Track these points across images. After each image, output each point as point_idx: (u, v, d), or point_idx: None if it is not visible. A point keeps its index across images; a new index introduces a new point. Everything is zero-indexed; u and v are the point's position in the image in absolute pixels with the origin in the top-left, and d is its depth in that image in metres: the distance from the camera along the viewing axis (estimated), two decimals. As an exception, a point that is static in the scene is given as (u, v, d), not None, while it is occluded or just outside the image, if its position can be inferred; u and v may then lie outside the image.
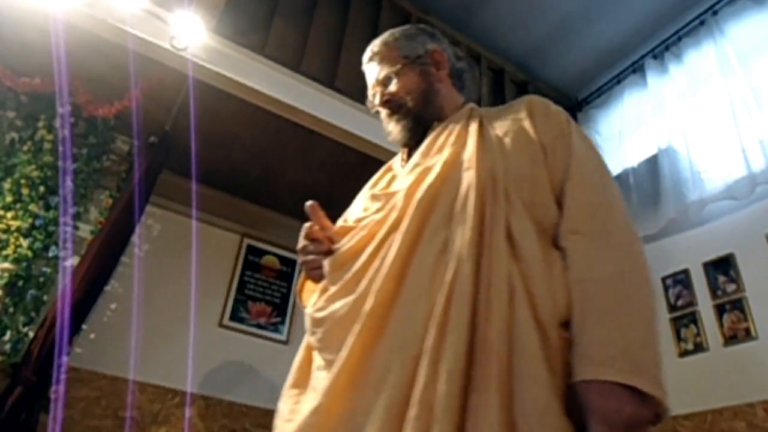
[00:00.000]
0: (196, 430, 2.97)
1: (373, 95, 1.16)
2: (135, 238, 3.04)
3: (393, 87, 1.12)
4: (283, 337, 3.48)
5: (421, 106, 1.10)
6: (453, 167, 0.92)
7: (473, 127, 0.99)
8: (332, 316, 0.85)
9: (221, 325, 3.34)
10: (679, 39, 3.45)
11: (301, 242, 1.02)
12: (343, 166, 3.13)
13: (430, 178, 0.91)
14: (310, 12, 3.16)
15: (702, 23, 3.32)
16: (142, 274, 3.07)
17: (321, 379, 0.84)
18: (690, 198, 2.96)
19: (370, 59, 1.18)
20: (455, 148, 0.96)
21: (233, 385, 3.20)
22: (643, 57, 3.63)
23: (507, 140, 0.94)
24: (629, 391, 0.70)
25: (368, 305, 0.79)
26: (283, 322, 3.53)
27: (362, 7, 3.38)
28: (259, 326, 3.44)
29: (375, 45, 1.19)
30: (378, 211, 0.95)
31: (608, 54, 3.82)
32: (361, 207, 1.06)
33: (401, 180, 1.00)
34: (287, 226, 3.70)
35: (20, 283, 2.51)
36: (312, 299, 0.95)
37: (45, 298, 2.57)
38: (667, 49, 3.51)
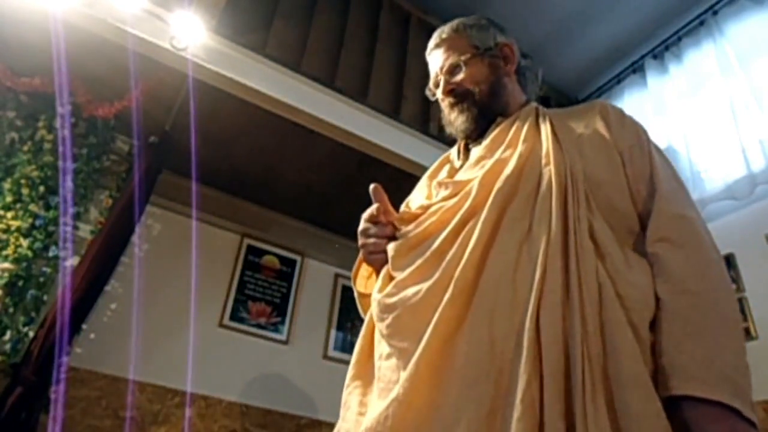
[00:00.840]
0: (196, 430, 2.97)
1: (436, 83, 1.14)
2: (135, 238, 3.04)
3: (460, 76, 1.10)
4: (283, 337, 3.48)
5: (488, 98, 1.08)
6: (529, 161, 0.90)
7: (545, 126, 0.97)
8: (404, 302, 0.82)
9: (221, 325, 3.34)
10: (679, 39, 3.45)
11: (363, 224, 0.99)
12: (343, 166, 3.13)
13: (508, 170, 0.89)
14: (310, 12, 3.16)
15: (702, 23, 3.32)
16: (142, 274, 3.07)
17: (389, 369, 0.82)
18: (690, 198, 2.96)
19: (437, 45, 1.16)
20: (529, 144, 0.94)
21: (233, 385, 3.20)
22: (643, 57, 3.63)
23: (584, 142, 0.93)
24: (737, 414, 0.68)
25: (448, 293, 0.77)
26: (283, 322, 3.53)
27: (362, 7, 3.38)
28: (259, 326, 3.44)
29: (444, 32, 1.16)
30: (447, 198, 0.93)
31: (608, 54, 3.82)
32: (424, 195, 1.04)
33: (467, 172, 0.98)
34: (287, 226, 3.70)
35: (20, 283, 2.51)
36: (377, 285, 0.92)
37: (45, 298, 2.58)
38: (667, 49, 3.51)
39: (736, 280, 2.72)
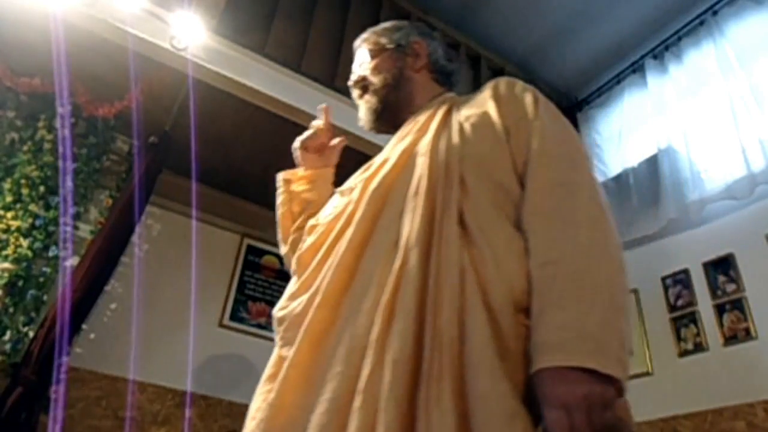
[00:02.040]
0: (196, 430, 2.97)
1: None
2: (135, 238, 3.04)
3: (365, 68, 1.16)
4: (283, 337, 3.48)
5: (388, 90, 1.11)
6: (409, 157, 0.92)
7: (439, 114, 0.99)
8: (290, 314, 0.87)
9: (221, 325, 3.34)
10: (679, 39, 3.45)
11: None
12: (342, 165, 3.13)
13: (385, 169, 0.91)
14: (310, 12, 3.16)
15: (702, 23, 3.32)
16: (142, 274, 3.07)
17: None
18: (690, 198, 2.96)
19: (358, 46, 1.22)
20: (415, 137, 0.95)
21: (233, 385, 3.20)
22: (643, 57, 3.63)
23: (467, 125, 0.92)
24: (583, 372, 0.65)
25: (317, 299, 0.80)
26: (283, 322, 3.53)
27: (362, 7, 3.39)
28: (259, 326, 3.44)
29: (365, 33, 1.23)
30: (339, 206, 0.96)
31: (608, 54, 3.82)
32: (332, 205, 1.07)
33: (367, 173, 0.99)
34: (287, 226, 3.70)
35: (20, 283, 2.51)
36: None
37: (45, 298, 2.58)
38: (667, 49, 3.51)
39: (736, 280, 2.72)
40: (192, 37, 2.53)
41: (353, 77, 1.18)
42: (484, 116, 0.93)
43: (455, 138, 0.90)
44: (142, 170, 2.72)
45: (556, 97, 4.12)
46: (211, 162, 3.24)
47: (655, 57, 3.57)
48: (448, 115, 0.98)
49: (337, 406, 0.69)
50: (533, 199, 0.82)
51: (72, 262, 2.61)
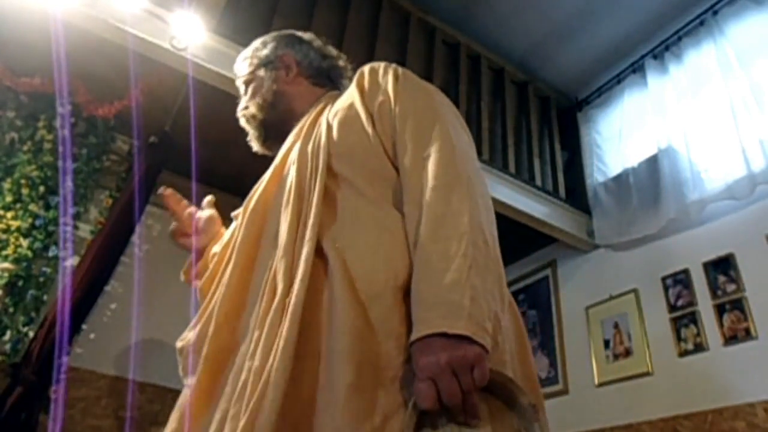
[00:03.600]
0: (196, 430, 2.97)
1: None
2: (135, 238, 3.04)
3: (245, 98, 1.20)
4: (283, 337, 3.48)
5: (267, 110, 1.13)
6: (284, 167, 0.93)
7: (311, 118, 1.00)
8: (187, 344, 0.88)
9: (221, 325, 3.34)
10: (679, 39, 3.44)
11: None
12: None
13: (261, 186, 0.93)
14: (310, 12, 3.16)
15: (702, 23, 3.32)
16: (142, 274, 3.07)
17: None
18: (690, 198, 2.96)
19: (237, 79, 1.26)
20: (289, 147, 0.97)
21: (233, 385, 3.20)
22: (643, 57, 3.63)
23: (335, 122, 0.93)
24: (444, 338, 0.66)
25: (211, 327, 0.80)
26: (283, 322, 3.52)
27: (362, 7, 3.38)
28: (259, 326, 3.44)
29: (238, 60, 1.27)
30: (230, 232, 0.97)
31: (608, 54, 3.82)
32: (229, 231, 1.09)
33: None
34: (287, 226, 3.70)
35: (20, 283, 2.51)
36: None
37: (45, 298, 2.58)
38: (667, 49, 3.51)
39: (736, 280, 2.72)
40: (192, 37, 2.53)
41: (239, 107, 1.22)
42: (350, 109, 0.94)
43: (322, 138, 0.90)
44: (142, 170, 2.72)
45: (556, 97, 4.12)
46: (211, 162, 3.24)
47: (655, 57, 3.57)
48: (319, 116, 0.99)
49: (221, 426, 0.70)
50: (403, 181, 0.83)
51: (72, 262, 2.61)
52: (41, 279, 2.58)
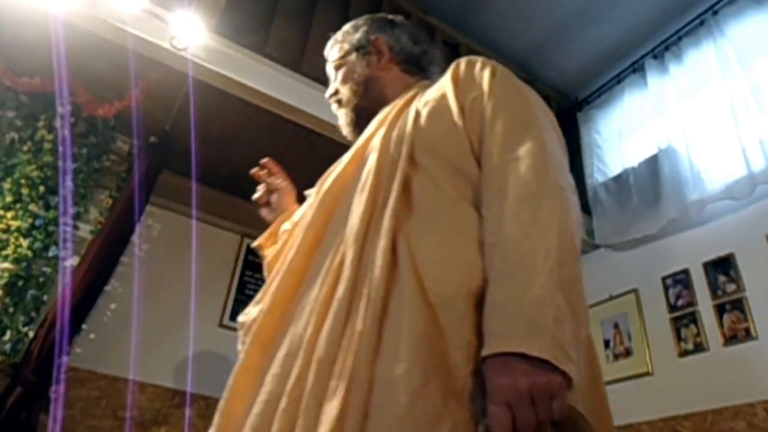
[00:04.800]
0: (196, 430, 2.97)
1: None
2: (135, 238, 3.04)
3: (336, 81, 1.16)
4: (283, 337, 3.48)
5: (359, 97, 1.10)
6: (364, 151, 0.91)
7: (398, 106, 0.97)
8: (249, 319, 0.88)
9: (221, 325, 3.34)
10: (679, 39, 3.44)
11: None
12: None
13: (339, 168, 0.91)
14: (310, 12, 3.16)
15: (702, 23, 3.32)
16: (142, 274, 3.07)
17: None
18: (690, 198, 2.96)
19: (326, 56, 1.22)
20: (372, 132, 0.95)
21: (233, 385, 3.20)
22: (643, 57, 3.63)
23: (424, 111, 0.90)
24: (526, 360, 0.61)
25: (266, 305, 0.80)
26: (283, 322, 3.53)
27: (362, 7, 3.38)
28: (259, 326, 3.44)
29: (327, 46, 1.22)
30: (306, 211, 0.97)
31: (608, 54, 3.82)
32: (302, 209, 1.07)
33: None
34: (287, 226, 3.70)
35: (20, 283, 2.51)
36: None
37: (45, 298, 2.57)
38: (667, 49, 3.50)
39: (736, 280, 2.72)
40: (192, 37, 2.53)
41: (328, 91, 1.18)
42: (441, 99, 0.91)
43: (408, 126, 0.87)
44: (142, 170, 2.72)
45: (557, 97, 4.12)
46: (211, 162, 3.24)
47: (655, 57, 3.57)
48: (408, 104, 0.96)
49: (269, 409, 0.69)
50: (485, 180, 0.79)
51: (72, 262, 2.61)
52: (41, 279, 2.58)
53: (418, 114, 0.89)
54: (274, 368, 0.72)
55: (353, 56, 1.14)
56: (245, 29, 2.84)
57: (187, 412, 2.97)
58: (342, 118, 1.14)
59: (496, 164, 0.78)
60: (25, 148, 2.73)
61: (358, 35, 1.16)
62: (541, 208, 0.71)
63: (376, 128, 0.95)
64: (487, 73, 0.90)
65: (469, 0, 3.62)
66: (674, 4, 3.44)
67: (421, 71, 1.15)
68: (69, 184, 2.68)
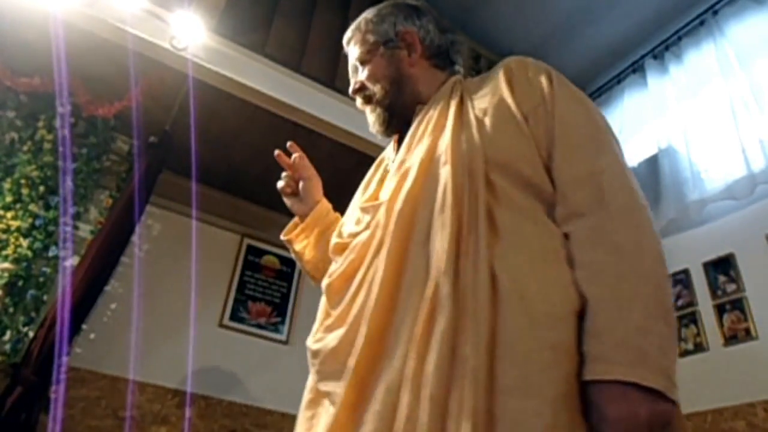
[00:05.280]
0: (196, 430, 2.97)
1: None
2: (135, 238, 3.04)
3: (362, 75, 1.07)
4: (283, 337, 3.48)
5: (392, 96, 1.03)
6: (431, 163, 0.84)
7: (452, 107, 0.91)
8: (325, 347, 0.83)
9: (221, 325, 3.34)
10: (679, 39, 3.44)
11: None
12: (343, 166, 3.13)
13: (407, 184, 0.83)
14: (310, 12, 3.16)
15: (702, 23, 3.32)
16: (142, 274, 3.07)
17: (328, 411, 0.82)
18: (690, 198, 2.96)
19: (347, 44, 1.13)
20: (433, 138, 0.88)
21: (233, 385, 3.20)
22: (643, 57, 3.63)
23: (487, 119, 0.85)
24: (642, 391, 0.62)
25: (360, 336, 0.75)
26: (283, 322, 3.53)
27: (362, 8, 3.36)
28: (259, 326, 3.44)
29: (350, 29, 1.12)
30: (366, 227, 0.89)
31: (608, 54, 3.82)
32: (354, 219, 1.00)
33: (389, 182, 0.93)
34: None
35: (20, 283, 2.51)
36: (312, 330, 0.93)
37: (45, 298, 2.58)
38: (667, 49, 3.51)
39: (736, 280, 2.72)
40: (192, 37, 2.53)
41: (353, 85, 1.11)
42: (501, 106, 0.86)
43: (475, 137, 0.83)
44: (142, 170, 2.72)
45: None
46: (211, 162, 3.24)
47: (655, 57, 3.57)
48: (461, 106, 0.91)
49: None
50: (565, 195, 0.77)
51: (72, 262, 2.61)
52: (41, 279, 2.58)
53: (479, 122, 0.85)
54: (375, 405, 0.69)
55: (381, 50, 1.05)
56: (245, 29, 2.84)
57: (187, 412, 2.97)
58: (372, 116, 1.07)
59: (575, 179, 0.77)
60: (25, 148, 2.73)
61: (385, 26, 1.07)
62: (634, 229, 0.72)
63: (435, 133, 0.89)
64: (544, 79, 0.88)
65: (469, 0, 3.62)
66: (674, 4, 3.45)
67: (450, 64, 1.09)
68: (69, 184, 2.68)
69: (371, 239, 0.84)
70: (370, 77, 1.05)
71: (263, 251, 3.68)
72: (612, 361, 0.64)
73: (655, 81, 3.50)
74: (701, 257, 2.90)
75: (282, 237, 1.19)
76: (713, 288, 2.80)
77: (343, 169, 3.18)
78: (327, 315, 0.90)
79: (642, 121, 3.52)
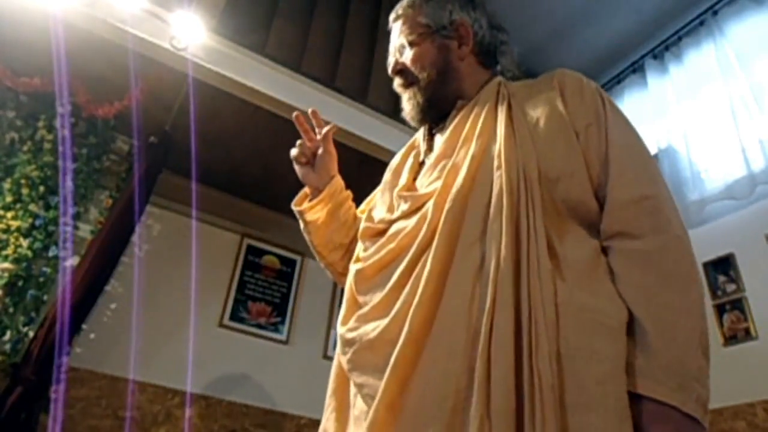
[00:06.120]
0: (196, 430, 2.97)
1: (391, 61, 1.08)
2: (135, 238, 3.04)
3: (406, 57, 1.02)
4: (283, 337, 3.48)
5: (434, 86, 0.99)
6: (482, 165, 0.83)
7: (502, 112, 0.89)
8: (362, 337, 0.81)
9: (221, 325, 3.34)
10: (679, 39, 3.45)
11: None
12: (343, 165, 3.13)
13: (459, 182, 0.82)
14: (310, 12, 3.16)
15: (702, 23, 3.32)
16: (142, 274, 3.07)
17: (362, 408, 0.81)
18: (690, 198, 2.96)
19: (395, 20, 1.08)
20: (484, 140, 0.86)
21: (233, 385, 3.20)
22: (643, 57, 3.63)
23: (540, 128, 0.85)
24: (682, 414, 0.67)
25: (404, 333, 0.74)
26: (283, 322, 3.53)
27: (362, 7, 3.39)
28: (259, 326, 3.44)
29: (401, 5, 1.07)
30: (406, 216, 0.88)
31: (608, 54, 3.82)
32: (386, 204, 0.98)
33: (428, 175, 0.91)
34: (287, 226, 3.69)
35: (20, 283, 2.51)
36: (340, 316, 0.91)
37: (45, 298, 2.58)
38: (667, 49, 3.51)
39: (736, 280, 2.72)
40: (192, 37, 2.53)
41: (391, 64, 1.05)
42: (554, 118, 0.86)
43: (529, 145, 0.82)
44: (142, 170, 2.72)
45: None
46: (211, 162, 3.24)
47: (655, 57, 3.57)
48: (511, 112, 0.89)
49: None
50: (616, 217, 0.78)
51: (72, 262, 2.61)
52: (41, 279, 2.58)
53: (533, 130, 0.85)
54: (433, 409, 0.69)
55: (433, 36, 1.01)
56: (245, 29, 2.84)
57: (187, 412, 2.97)
58: (409, 103, 1.02)
59: (629, 200, 0.78)
60: (25, 148, 2.73)
61: (440, 12, 1.02)
62: (684, 260, 0.75)
63: (485, 136, 0.87)
64: (598, 98, 0.89)
65: (469, 0, 3.62)
66: (674, 4, 3.44)
67: (494, 64, 1.06)
68: (69, 184, 2.68)
69: (416, 231, 0.83)
70: (416, 62, 1.01)
71: (263, 251, 3.68)
72: (659, 381, 0.68)
73: (655, 81, 3.50)
74: (701, 257, 2.90)
75: (293, 206, 1.14)
76: (713, 288, 2.80)
77: (343, 168, 3.18)
78: (355, 301, 0.88)
79: (642, 121, 3.52)
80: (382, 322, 0.79)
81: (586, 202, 0.80)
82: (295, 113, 1.10)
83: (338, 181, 1.14)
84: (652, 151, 3.33)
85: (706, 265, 2.87)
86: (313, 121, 1.11)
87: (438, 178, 0.87)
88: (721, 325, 2.71)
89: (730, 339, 2.64)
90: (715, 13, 3.26)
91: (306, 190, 1.15)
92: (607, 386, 0.67)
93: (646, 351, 0.70)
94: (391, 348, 0.74)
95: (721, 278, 2.79)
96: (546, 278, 0.72)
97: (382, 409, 0.72)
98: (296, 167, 1.12)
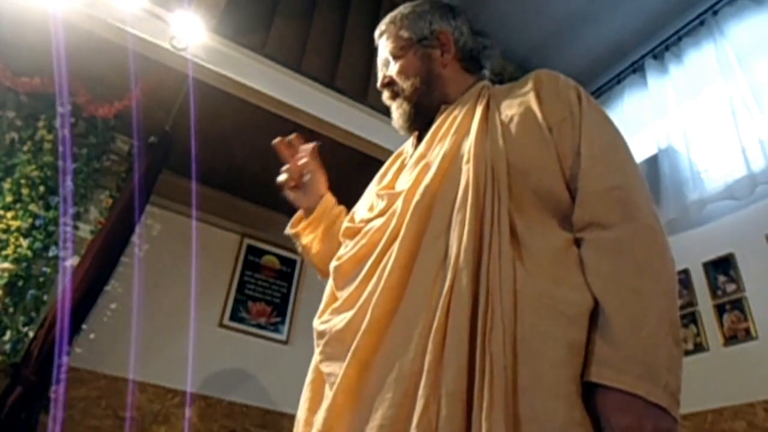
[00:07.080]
0: (196, 430, 2.97)
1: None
2: (135, 238, 3.04)
3: (392, 70, 1.07)
4: (283, 337, 3.48)
5: (420, 94, 1.03)
6: (452, 162, 0.86)
7: (478, 111, 0.92)
8: (331, 329, 0.84)
9: (221, 325, 3.34)
10: (679, 39, 3.44)
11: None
12: (343, 166, 3.13)
13: (427, 178, 0.85)
14: (310, 12, 3.16)
15: (702, 23, 3.32)
16: (142, 274, 3.07)
17: (327, 393, 0.83)
18: (690, 198, 2.96)
19: (379, 36, 1.13)
20: (457, 137, 0.89)
21: (233, 385, 3.20)
22: (643, 57, 3.63)
23: (512, 125, 0.87)
24: (647, 403, 0.65)
25: (365, 322, 0.76)
26: (283, 322, 3.53)
27: (362, 7, 3.38)
28: (259, 326, 3.44)
29: (383, 22, 1.13)
30: (382, 213, 0.91)
31: (608, 54, 3.82)
32: (367, 205, 1.01)
33: (407, 174, 0.94)
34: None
35: (20, 283, 2.51)
36: (319, 310, 0.94)
37: (45, 298, 2.58)
38: (667, 49, 3.50)
39: (736, 280, 2.72)
40: (192, 37, 2.53)
41: (380, 79, 1.10)
42: (527, 115, 0.88)
43: (499, 141, 0.84)
44: (142, 170, 2.72)
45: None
46: (211, 162, 3.24)
47: (655, 57, 3.57)
48: (487, 111, 0.92)
49: None
50: (586, 207, 0.79)
51: (72, 262, 2.61)
52: (41, 279, 2.58)
53: (505, 127, 0.87)
54: (386, 393, 0.70)
55: (414, 47, 1.06)
56: (245, 29, 2.84)
57: (187, 412, 2.97)
58: (397, 112, 1.07)
59: (600, 190, 0.79)
60: (25, 148, 2.73)
61: (420, 23, 1.07)
62: (654, 249, 0.76)
63: (458, 134, 0.90)
64: (573, 95, 0.90)
65: (469, 1, 3.61)
66: (674, 4, 3.44)
67: (479, 69, 1.10)
68: (69, 184, 2.68)
69: (386, 226, 0.86)
70: (401, 73, 1.06)
71: (263, 251, 3.68)
72: (622, 370, 0.66)
73: (655, 81, 3.50)
74: (701, 257, 2.90)
75: (288, 231, 1.19)
76: (713, 288, 2.80)
77: (344, 168, 3.18)
78: (333, 297, 0.91)
79: (642, 121, 3.52)
80: (350, 313, 0.81)
81: (557, 193, 0.82)
82: (274, 141, 1.15)
83: (329, 199, 1.19)
84: (653, 151, 3.33)
85: (706, 265, 2.87)
86: (296, 144, 1.17)
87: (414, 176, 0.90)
88: (721, 325, 2.70)
89: (730, 339, 2.64)
90: (715, 13, 3.26)
91: (300, 212, 1.20)
92: (560, 371, 0.67)
93: (610, 340, 0.69)
94: (353, 340, 0.77)
95: (721, 278, 2.79)
96: (507, 266, 0.73)
97: (340, 394, 0.74)
98: (287, 193, 1.17)
